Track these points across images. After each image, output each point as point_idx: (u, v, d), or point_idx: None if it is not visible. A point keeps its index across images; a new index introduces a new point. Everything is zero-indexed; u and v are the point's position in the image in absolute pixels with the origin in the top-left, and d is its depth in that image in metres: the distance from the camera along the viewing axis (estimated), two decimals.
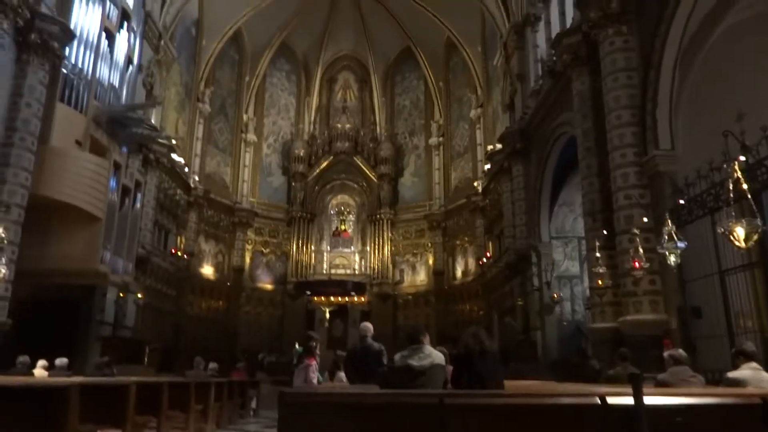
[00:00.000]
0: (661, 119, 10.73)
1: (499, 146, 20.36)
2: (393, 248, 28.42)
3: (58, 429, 5.05)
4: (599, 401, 3.06)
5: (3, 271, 11.26)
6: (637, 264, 9.73)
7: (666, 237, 8.25)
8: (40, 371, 9.86)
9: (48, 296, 14.29)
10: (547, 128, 16.65)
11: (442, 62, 28.61)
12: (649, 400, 2.86)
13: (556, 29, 16.26)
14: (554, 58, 15.10)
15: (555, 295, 16.41)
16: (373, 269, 28.10)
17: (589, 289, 12.89)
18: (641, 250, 9.67)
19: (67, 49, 14.20)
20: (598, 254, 11.11)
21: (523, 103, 19.08)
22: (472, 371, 4.25)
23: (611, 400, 3.02)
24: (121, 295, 17.15)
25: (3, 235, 11.15)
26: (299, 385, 8.00)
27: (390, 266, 28.15)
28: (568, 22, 15.02)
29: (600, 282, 11.07)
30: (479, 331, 4.50)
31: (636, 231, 9.91)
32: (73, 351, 13.82)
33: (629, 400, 2.84)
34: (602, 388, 4.21)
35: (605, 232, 11.53)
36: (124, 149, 17.20)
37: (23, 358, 9.99)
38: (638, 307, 10.35)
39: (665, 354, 6.14)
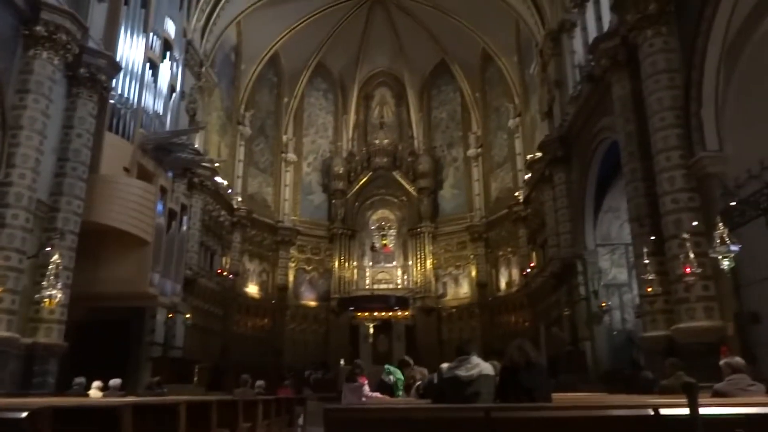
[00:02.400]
0: (707, 120, 10.42)
1: (539, 154, 20.11)
2: (435, 261, 28.27)
3: None
4: (652, 413, 2.96)
5: (59, 295, 11.68)
6: (688, 269, 9.41)
7: (718, 240, 7.98)
8: (95, 392, 10.16)
9: (101, 319, 14.76)
10: (587, 134, 16.36)
11: (477, 73, 28.54)
12: (705, 410, 2.75)
13: (592, 34, 16.06)
14: (592, 63, 14.87)
15: (603, 304, 15.99)
16: (416, 283, 27.99)
17: (639, 296, 12.54)
18: (692, 255, 9.36)
19: (114, 81, 14.76)
20: (646, 260, 10.80)
21: (561, 110, 18.83)
22: (518, 385, 4.17)
23: (665, 411, 2.92)
24: (170, 315, 17.59)
25: (58, 261, 11.61)
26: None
27: (432, 280, 27.99)
28: (605, 26, 14.81)
29: (650, 289, 10.75)
30: (524, 343, 4.42)
31: (686, 235, 9.61)
32: (126, 371, 14.23)
33: (684, 411, 2.73)
34: (656, 399, 4.07)
35: (653, 237, 11.20)
36: (170, 174, 17.71)
37: (79, 380, 10.33)
38: (692, 314, 10.00)
39: (722, 362, 5.89)
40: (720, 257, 8.15)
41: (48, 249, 11.99)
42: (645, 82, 11.47)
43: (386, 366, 7.77)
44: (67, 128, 13.40)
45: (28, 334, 11.98)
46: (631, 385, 9.89)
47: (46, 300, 11.43)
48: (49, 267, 11.49)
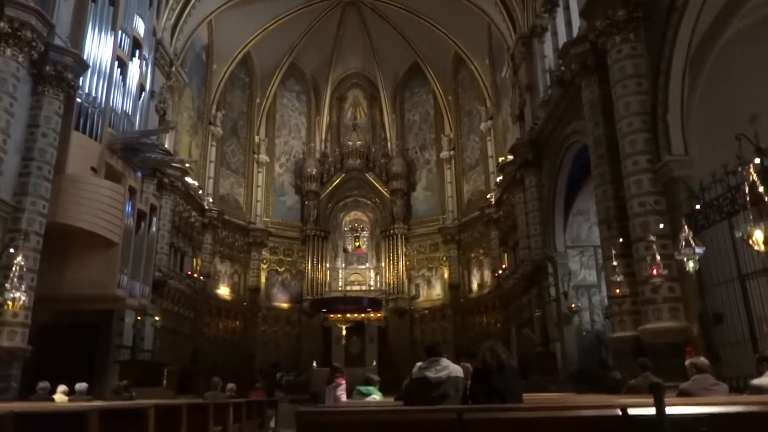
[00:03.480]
0: (673, 124, 10.66)
1: (510, 157, 20.32)
2: (408, 263, 28.35)
3: None
4: (620, 413, 3.00)
5: (23, 298, 11.38)
6: (655, 271, 9.61)
7: (683, 243, 8.17)
8: (60, 396, 9.92)
9: (67, 321, 14.44)
10: (558, 138, 16.60)
11: (450, 76, 28.73)
12: (671, 410, 2.80)
13: (563, 39, 16.27)
14: (562, 68, 15.10)
15: (573, 305, 16.23)
16: (389, 285, 28.02)
17: (608, 298, 12.74)
18: (659, 257, 9.57)
19: (81, 79, 14.45)
20: (615, 263, 10.99)
21: (532, 114, 19.06)
22: (490, 386, 4.21)
23: (633, 411, 2.97)
24: (139, 318, 17.28)
25: (22, 263, 11.31)
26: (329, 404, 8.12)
27: (405, 281, 28.06)
28: (575, 32, 15.03)
29: (618, 290, 10.93)
30: (496, 344, 4.47)
31: (652, 238, 9.81)
32: (93, 375, 13.93)
33: (651, 411, 2.79)
34: (623, 399, 4.14)
35: (621, 240, 11.41)
36: (139, 174, 17.41)
37: (43, 384, 10.06)
38: (658, 315, 10.21)
39: (687, 362, 6.04)
40: (685, 259, 8.33)
41: (11, 250, 11.70)
42: (614, 87, 11.67)
43: (359, 388, 7.48)
44: (32, 127, 13.08)
45: None
46: (600, 384, 10.08)
47: (9, 303, 11.13)
48: (13, 269, 11.21)
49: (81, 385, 10.04)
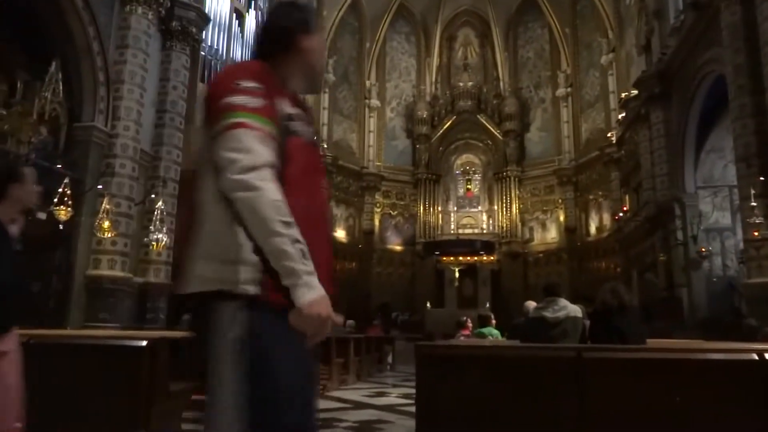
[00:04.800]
0: None
1: (634, 92, 18.91)
2: (521, 206, 27.74)
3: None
4: (757, 357, 2.84)
5: (165, 239, 12.60)
6: None
7: None
8: None
9: None
10: (690, 68, 15.16)
11: (567, 7, 26.88)
12: None
13: None
14: None
15: (702, 249, 15.17)
16: (502, 228, 27.67)
17: (744, 241, 11.80)
18: None
19: (204, 33, 15.21)
20: (753, 203, 10.09)
21: (661, 43, 17.48)
22: (610, 327, 4.11)
23: None
24: None
25: (162, 207, 12.46)
26: None
27: (519, 224, 27.55)
28: None
29: (756, 233, 10.09)
30: (618, 286, 4.34)
31: None
32: None
33: None
34: (761, 345, 3.89)
35: (762, 178, 10.40)
36: None
37: (186, 317, 11.17)
38: None
39: None
40: None
41: (153, 196, 12.89)
42: (759, 7, 10.42)
43: (478, 330, 7.58)
44: (164, 81, 14.05)
45: (140, 275, 13.03)
46: (733, 333, 9.47)
47: (153, 243, 12.39)
48: (155, 213, 12.40)
49: None
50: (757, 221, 10.05)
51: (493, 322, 7.81)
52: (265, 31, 1.84)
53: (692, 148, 15.84)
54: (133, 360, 3.86)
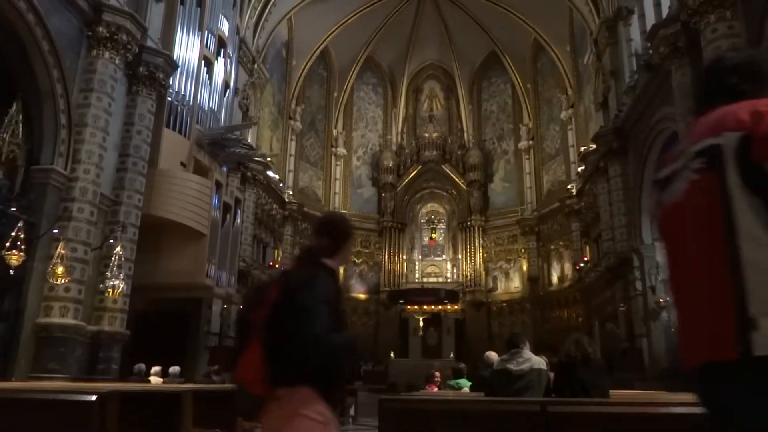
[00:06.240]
0: None
1: (593, 146, 19.58)
2: (485, 255, 28.01)
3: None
4: None
5: (122, 285, 12.20)
6: None
7: None
8: (155, 378, 10.57)
9: (160, 309, 15.30)
10: (645, 125, 15.82)
11: (529, 64, 28.01)
12: None
13: (651, 21, 15.48)
14: (650, 51, 14.37)
15: (661, 300, 15.48)
16: (466, 277, 27.81)
17: None
18: None
19: (171, 79, 15.20)
20: None
21: (617, 101, 18.27)
22: (574, 380, 4.10)
23: None
24: (225, 306, 18.06)
25: (121, 253, 12.12)
26: None
27: (483, 273, 27.75)
28: (664, 13, 14.26)
29: None
30: (581, 337, 4.35)
31: None
32: (183, 359, 14.72)
33: None
34: None
35: None
36: (224, 168, 18.15)
37: (139, 366, 10.76)
38: None
39: None
40: None
41: (111, 241, 12.54)
42: None
43: (449, 382, 7.45)
44: (128, 125, 13.89)
45: (93, 322, 12.51)
46: (692, 384, 9.54)
47: (109, 290, 11.98)
48: (112, 258, 12.04)
49: (174, 369, 10.67)
50: None
51: (465, 372, 7.72)
52: None
53: (649, 201, 16.35)
54: (81, 415, 3.64)
